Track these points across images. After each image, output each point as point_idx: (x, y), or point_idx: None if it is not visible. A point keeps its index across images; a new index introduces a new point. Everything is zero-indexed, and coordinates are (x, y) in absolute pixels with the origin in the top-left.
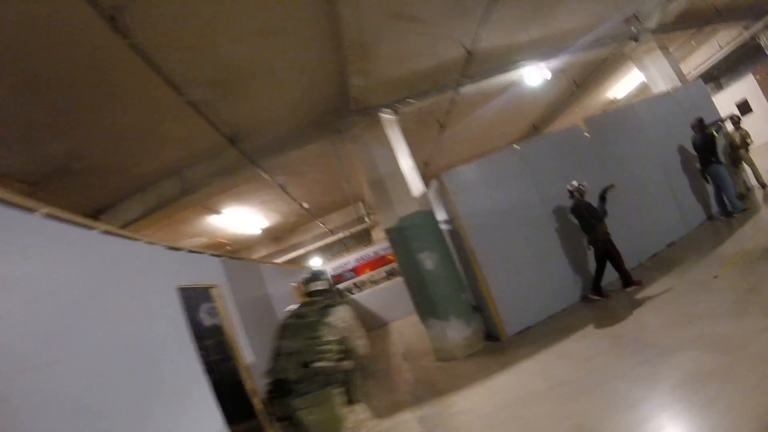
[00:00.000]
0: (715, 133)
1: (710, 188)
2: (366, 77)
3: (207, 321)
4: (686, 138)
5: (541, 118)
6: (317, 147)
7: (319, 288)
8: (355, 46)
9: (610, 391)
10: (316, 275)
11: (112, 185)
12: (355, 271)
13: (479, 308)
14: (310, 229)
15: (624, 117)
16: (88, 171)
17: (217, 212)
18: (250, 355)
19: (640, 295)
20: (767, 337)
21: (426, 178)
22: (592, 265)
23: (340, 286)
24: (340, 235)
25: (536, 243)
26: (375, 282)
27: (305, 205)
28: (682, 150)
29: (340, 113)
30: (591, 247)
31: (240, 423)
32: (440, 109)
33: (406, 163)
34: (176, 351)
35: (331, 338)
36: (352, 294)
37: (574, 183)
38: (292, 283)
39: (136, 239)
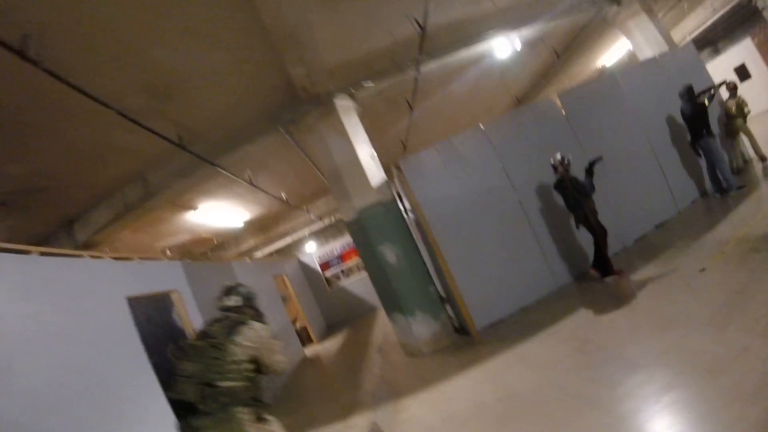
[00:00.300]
0: (706, 101)
1: (703, 163)
2: (306, 65)
3: (173, 326)
4: (675, 108)
5: (525, 90)
6: (275, 139)
7: (232, 304)
8: (282, 36)
9: (557, 414)
10: (229, 289)
11: (80, 196)
12: (342, 257)
13: (450, 300)
14: (297, 217)
15: (603, 88)
16: (53, 186)
17: (193, 208)
18: None
19: (617, 289)
20: (749, 360)
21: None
22: (573, 249)
23: (328, 273)
24: (327, 221)
25: (506, 230)
26: (362, 268)
27: (283, 196)
28: (670, 121)
29: (292, 104)
30: (580, 226)
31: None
32: (405, 89)
33: (365, 151)
34: (127, 361)
35: (238, 358)
36: (339, 281)
37: (558, 156)
38: (273, 276)
39: (78, 255)
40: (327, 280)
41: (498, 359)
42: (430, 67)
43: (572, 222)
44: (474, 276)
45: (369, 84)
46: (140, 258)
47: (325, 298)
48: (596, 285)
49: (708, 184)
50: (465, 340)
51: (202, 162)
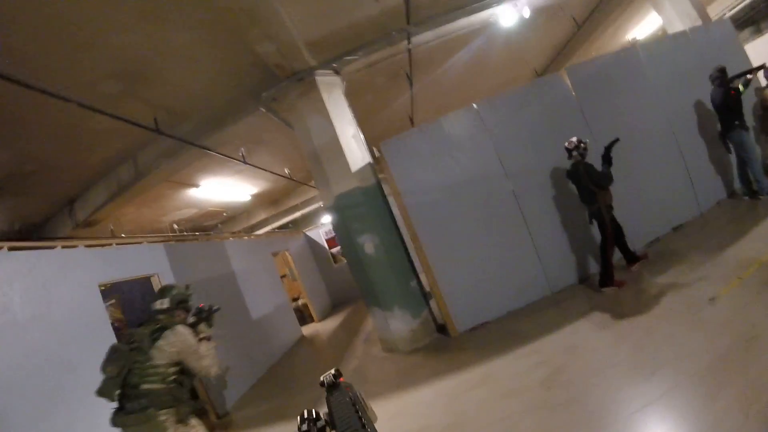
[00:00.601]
0: (741, 87)
1: (733, 159)
2: (274, 42)
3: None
4: (705, 93)
5: (545, 63)
6: (264, 117)
7: (160, 307)
8: (240, 14)
9: None
10: (160, 292)
11: (73, 178)
12: None
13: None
14: (308, 191)
15: (621, 63)
16: (43, 170)
17: (195, 185)
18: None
19: (612, 305)
20: None
21: None
22: (573, 250)
23: (334, 250)
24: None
25: (497, 224)
26: None
27: (286, 171)
28: (699, 107)
29: (272, 82)
30: (593, 221)
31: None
32: (403, 62)
33: (347, 131)
34: (96, 346)
35: (160, 362)
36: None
37: (573, 139)
38: (272, 253)
39: (51, 247)
40: (333, 256)
41: (466, 374)
42: (426, 37)
43: (586, 216)
44: (458, 273)
45: (352, 58)
46: (118, 243)
47: (331, 275)
48: (594, 294)
49: (737, 183)
50: (445, 341)
51: (183, 144)
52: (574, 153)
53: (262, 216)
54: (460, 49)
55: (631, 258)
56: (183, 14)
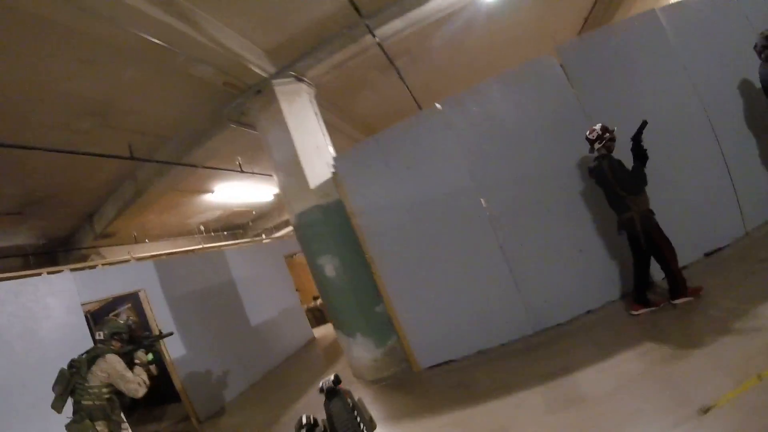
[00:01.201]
0: None
1: None
2: (208, 63)
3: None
4: (753, 69)
5: (570, 34)
6: (237, 131)
7: (99, 337)
8: (158, 45)
9: None
10: (100, 325)
11: (84, 199)
12: None
13: None
14: None
15: (635, 35)
16: (55, 195)
17: (209, 191)
18: (180, 349)
19: (581, 374)
20: None
21: None
22: (561, 282)
23: None
24: None
25: (465, 248)
26: None
27: None
28: (745, 89)
29: (232, 98)
30: (622, 231)
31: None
32: (378, 56)
33: (309, 142)
34: None
35: (94, 384)
36: None
37: (597, 128)
38: (285, 255)
39: (38, 273)
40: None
41: (406, 424)
42: (394, 26)
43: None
44: (421, 303)
45: (311, 62)
46: (104, 264)
47: None
48: (582, 343)
49: None
50: (408, 377)
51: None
52: (597, 145)
53: None
54: (448, 30)
55: (642, 298)
56: (116, 54)
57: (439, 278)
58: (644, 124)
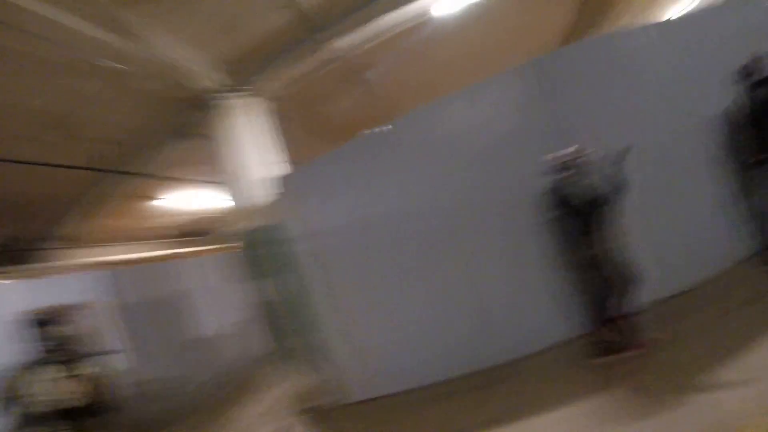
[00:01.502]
0: None
1: None
2: (160, 75)
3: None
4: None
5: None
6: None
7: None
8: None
9: None
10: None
11: (50, 206)
12: None
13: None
14: None
15: (608, 52)
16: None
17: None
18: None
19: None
20: None
21: None
22: (536, 306)
23: None
24: None
25: (413, 274)
26: None
27: None
28: (728, 117)
29: (187, 110)
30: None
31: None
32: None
33: (256, 160)
34: None
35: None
36: None
37: (569, 151)
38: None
39: None
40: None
41: None
42: (350, 39)
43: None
44: (366, 330)
45: (263, 77)
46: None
47: None
48: (536, 378)
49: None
50: (338, 408)
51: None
52: (564, 173)
53: None
54: (428, 41)
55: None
56: (70, 70)
57: (385, 306)
58: (627, 149)
